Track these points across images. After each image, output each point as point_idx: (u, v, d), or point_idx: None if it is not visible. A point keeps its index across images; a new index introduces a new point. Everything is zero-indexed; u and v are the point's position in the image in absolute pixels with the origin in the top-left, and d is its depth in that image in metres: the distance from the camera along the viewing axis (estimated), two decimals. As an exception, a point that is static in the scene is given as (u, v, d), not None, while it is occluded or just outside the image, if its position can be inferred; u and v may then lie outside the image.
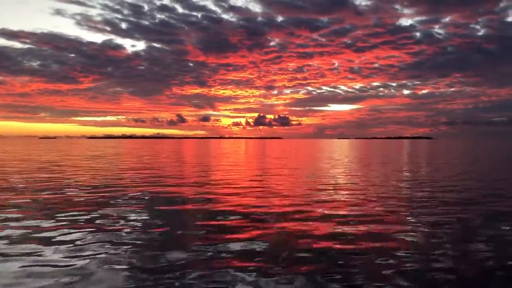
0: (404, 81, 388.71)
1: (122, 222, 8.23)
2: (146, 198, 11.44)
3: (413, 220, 8.42)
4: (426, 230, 7.55)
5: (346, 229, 7.60)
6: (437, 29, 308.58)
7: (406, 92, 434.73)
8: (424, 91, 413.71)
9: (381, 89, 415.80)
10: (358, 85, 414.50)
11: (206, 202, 10.64)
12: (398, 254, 6.05)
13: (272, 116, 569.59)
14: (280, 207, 9.95)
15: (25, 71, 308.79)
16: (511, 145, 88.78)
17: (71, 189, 13.24)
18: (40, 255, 5.94)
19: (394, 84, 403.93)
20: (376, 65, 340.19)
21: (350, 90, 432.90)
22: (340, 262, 5.63)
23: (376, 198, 11.47)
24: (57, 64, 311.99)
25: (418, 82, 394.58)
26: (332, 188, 13.70)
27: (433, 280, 4.99)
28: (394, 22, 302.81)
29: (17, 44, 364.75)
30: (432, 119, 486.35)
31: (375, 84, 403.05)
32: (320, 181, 15.66)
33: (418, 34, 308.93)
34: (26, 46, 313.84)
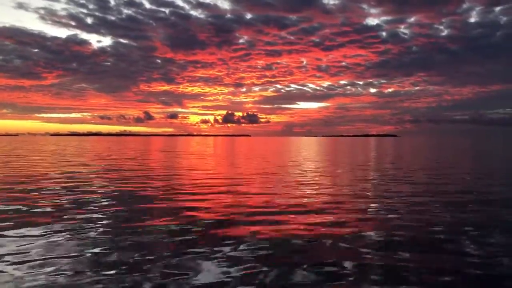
0: (371, 80, 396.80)
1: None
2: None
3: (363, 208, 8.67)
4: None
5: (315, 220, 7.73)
6: (402, 29, 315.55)
7: (372, 90, 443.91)
8: (389, 90, 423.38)
9: (348, 87, 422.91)
10: (326, 83, 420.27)
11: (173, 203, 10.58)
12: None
13: (240, 114, 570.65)
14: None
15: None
16: (472, 142, 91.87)
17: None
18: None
19: (361, 83, 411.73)
20: (343, 63, 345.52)
21: (318, 88, 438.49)
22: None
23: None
24: (19, 59, 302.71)
25: (384, 81, 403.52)
26: (295, 185, 13.86)
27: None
28: (361, 22, 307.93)
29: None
30: (397, 117, 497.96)
31: (342, 82, 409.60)
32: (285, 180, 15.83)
33: (384, 33, 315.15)
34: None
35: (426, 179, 15.87)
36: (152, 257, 5.59)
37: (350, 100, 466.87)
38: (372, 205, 9.94)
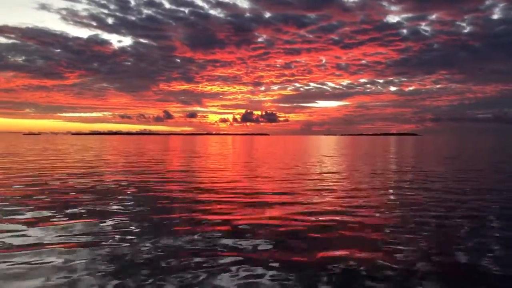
0: (391, 78, 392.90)
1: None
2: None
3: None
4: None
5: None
6: (423, 26, 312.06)
7: (392, 88, 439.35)
8: (410, 88, 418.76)
9: (368, 85, 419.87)
10: (345, 82, 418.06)
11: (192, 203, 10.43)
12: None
13: (259, 113, 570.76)
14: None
15: (10, 67, 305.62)
16: (494, 141, 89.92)
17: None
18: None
19: (381, 81, 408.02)
20: (363, 61, 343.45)
21: (337, 86, 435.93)
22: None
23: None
24: (42, 59, 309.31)
25: (405, 79, 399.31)
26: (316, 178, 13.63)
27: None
28: (381, 19, 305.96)
29: (1, 39, 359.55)
30: (418, 116, 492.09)
31: (362, 80, 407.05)
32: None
33: (404, 31, 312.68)
34: (11, 41, 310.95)
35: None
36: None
37: (370, 99, 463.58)
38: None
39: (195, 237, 6.54)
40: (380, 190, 12.12)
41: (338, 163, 22.87)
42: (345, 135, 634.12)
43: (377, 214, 8.44)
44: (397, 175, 16.27)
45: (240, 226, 7.28)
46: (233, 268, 5.08)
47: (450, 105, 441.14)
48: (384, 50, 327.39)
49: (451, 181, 14.30)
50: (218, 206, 9.28)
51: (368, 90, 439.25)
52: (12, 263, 5.26)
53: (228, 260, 5.39)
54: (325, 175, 16.30)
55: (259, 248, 5.95)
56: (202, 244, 6.11)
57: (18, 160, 23.86)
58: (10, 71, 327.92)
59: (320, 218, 8.04)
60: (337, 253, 5.75)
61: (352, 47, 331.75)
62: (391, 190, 12.10)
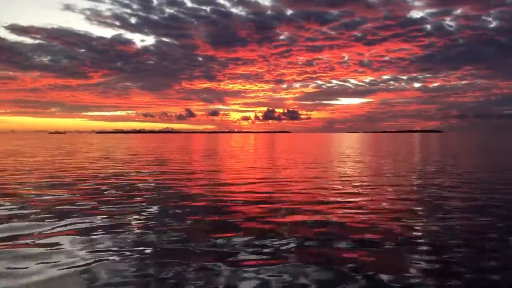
0: (415, 74, 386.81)
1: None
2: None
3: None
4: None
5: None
6: (448, 21, 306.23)
7: (416, 85, 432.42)
8: (435, 84, 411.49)
9: (392, 82, 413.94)
10: (368, 79, 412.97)
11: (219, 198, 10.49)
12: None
13: (281, 110, 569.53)
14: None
15: (36, 67, 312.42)
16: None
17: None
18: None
19: (404, 77, 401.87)
20: (386, 58, 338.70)
21: (360, 83, 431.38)
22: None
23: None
24: (67, 59, 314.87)
25: (429, 75, 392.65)
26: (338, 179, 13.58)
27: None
28: (405, 15, 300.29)
29: (27, 40, 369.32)
30: (442, 112, 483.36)
31: (385, 77, 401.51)
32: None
33: (428, 26, 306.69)
34: (37, 41, 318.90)
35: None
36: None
37: (393, 95, 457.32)
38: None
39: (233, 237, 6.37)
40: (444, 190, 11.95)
41: (381, 162, 22.40)
42: (367, 132, 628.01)
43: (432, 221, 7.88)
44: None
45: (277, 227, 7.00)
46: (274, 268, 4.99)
47: (475, 102, 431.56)
48: (407, 46, 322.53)
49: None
50: (267, 206, 8.97)
51: (391, 87, 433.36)
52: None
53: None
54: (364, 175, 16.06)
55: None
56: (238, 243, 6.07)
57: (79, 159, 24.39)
58: (36, 71, 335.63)
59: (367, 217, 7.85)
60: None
61: (375, 44, 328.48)
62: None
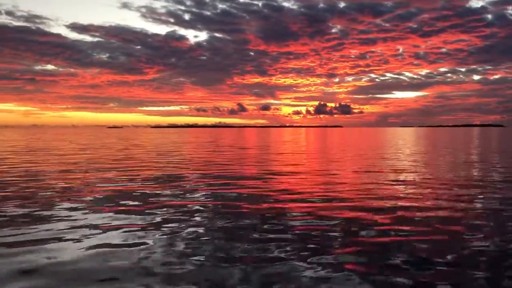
0: (474, 66, 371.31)
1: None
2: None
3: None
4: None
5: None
6: (510, 11, 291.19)
7: (476, 77, 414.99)
8: (495, 76, 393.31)
9: (449, 74, 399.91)
10: (424, 71, 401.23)
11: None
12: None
13: (333, 104, 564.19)
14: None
15: (95, 63, 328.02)
16: None
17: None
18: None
19: (463, 70, 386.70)
20: (443, 50, 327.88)
21: (415, 76, 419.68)
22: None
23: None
24: (124, 56, 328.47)
25: (489, 67, 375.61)
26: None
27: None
28: (464, 4, 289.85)
29: (87, 38, 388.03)
30: (504, 106, 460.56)
31: (442, 69, 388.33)
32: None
33: (489, 16, 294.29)
34: (96, 39, 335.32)
35: None
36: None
37: (450, 88, 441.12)
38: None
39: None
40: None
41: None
42: (422, 126, 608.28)
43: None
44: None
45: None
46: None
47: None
48: (466, 37, 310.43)
49: None
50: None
51: (448, 80, 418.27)
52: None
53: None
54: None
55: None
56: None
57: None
58: (95, 68, 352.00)
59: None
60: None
61: (432, 35, 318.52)
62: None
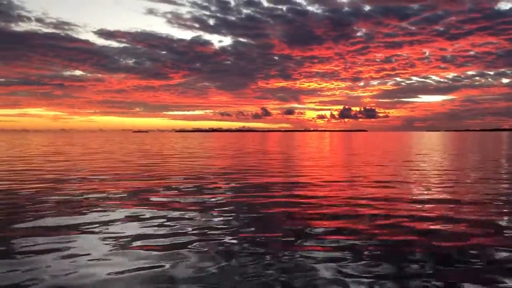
0: (503, 69, 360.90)
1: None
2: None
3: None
4: None
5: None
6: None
7: (505, 80, 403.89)
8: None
9: (477, 78, 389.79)
10: (451, 75, 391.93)
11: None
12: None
13: (357, 109, 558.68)
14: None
15: (122, 69, 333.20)
16: None
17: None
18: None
19: (491, 73, 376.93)
20: (471, 53, 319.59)
21: (442, 80, 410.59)
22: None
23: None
24: (150, 61, 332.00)
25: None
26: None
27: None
28: (492, 7, 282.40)
29: (114, 43, 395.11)
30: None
31: (470, 73, 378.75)
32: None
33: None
34: (122, 45, 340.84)
35: None
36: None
37: (478, 92, 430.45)
38: None
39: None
40: None
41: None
42: (449, 131, 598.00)
43: None
44: None
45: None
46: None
47: None
48: (495, 40, 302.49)
49: None
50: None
51: (476, 83, 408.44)
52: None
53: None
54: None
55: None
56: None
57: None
58: (121, 73, 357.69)
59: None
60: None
61: (459, 38, 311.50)
62: None
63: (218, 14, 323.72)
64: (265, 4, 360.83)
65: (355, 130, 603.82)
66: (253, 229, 6.68)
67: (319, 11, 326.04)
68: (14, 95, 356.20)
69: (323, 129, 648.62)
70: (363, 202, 9.15)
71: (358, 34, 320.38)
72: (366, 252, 5.44)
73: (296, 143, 53.03)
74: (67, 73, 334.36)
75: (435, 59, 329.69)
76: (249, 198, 9.64)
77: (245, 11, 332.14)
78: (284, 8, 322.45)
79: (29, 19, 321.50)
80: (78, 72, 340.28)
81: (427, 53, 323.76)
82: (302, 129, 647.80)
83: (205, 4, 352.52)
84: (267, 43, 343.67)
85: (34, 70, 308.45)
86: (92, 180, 13.21)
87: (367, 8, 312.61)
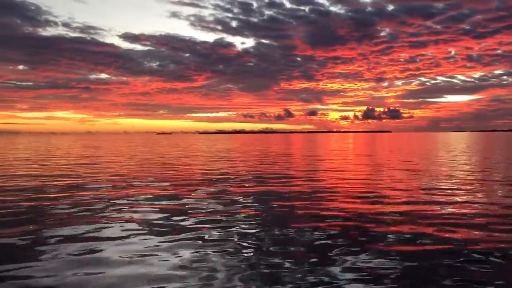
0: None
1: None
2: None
3: None
4: None
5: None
6: None
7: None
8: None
9: (505, 77, 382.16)
10: (477, 74, 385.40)
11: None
12: None
13: (381, 109, 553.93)
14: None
15: (146, 72, 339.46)
16: None
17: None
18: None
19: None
20: (498, 51, 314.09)
21: (468, 79, 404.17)
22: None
23: None
24: (173, 64, 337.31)
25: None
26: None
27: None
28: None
29: (138, 47, 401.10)
30: None
31: (497, 72, 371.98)
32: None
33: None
34: (146, 48, 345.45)
35: None
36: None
37: (506, 92, 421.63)
38: None
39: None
40: None
41: None
42: (476, 131, 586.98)
43: None
44: None
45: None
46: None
47: None
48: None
49: None
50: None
51: (504, 82, 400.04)
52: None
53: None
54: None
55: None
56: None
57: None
58: (146, 76, 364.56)
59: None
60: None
61: (486, 37, 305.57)
62: None
63: (241, 16, 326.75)
64: (288, 5, 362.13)
65: (378, 131, 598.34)
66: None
67: (342, 11, 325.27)
68: (42, 99, 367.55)
69: (346, 130, 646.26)
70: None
71: (382, 34, 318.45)
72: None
73: (336, 145, 53.10)
74: (93, 76, 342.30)
75: (461, 58, 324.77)
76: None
77: (268, 12, 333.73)
78: (307, 9, 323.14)
79: (56, 23, 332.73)
80: (103, 75, 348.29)
81: (453, 52, 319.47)
82: (325, 130, 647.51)
83: (228, 6, 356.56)
84: (290, 44, 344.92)
85: (61, 73, 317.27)
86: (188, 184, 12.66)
87: (390, 7, 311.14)
